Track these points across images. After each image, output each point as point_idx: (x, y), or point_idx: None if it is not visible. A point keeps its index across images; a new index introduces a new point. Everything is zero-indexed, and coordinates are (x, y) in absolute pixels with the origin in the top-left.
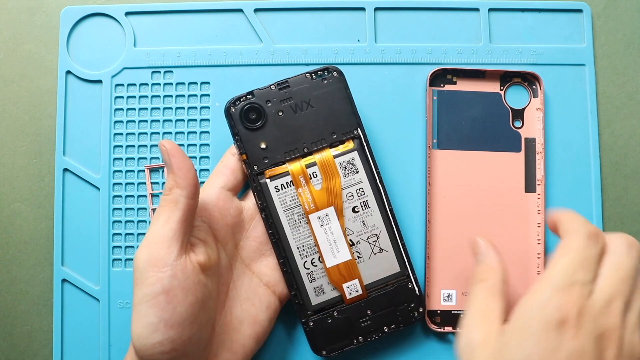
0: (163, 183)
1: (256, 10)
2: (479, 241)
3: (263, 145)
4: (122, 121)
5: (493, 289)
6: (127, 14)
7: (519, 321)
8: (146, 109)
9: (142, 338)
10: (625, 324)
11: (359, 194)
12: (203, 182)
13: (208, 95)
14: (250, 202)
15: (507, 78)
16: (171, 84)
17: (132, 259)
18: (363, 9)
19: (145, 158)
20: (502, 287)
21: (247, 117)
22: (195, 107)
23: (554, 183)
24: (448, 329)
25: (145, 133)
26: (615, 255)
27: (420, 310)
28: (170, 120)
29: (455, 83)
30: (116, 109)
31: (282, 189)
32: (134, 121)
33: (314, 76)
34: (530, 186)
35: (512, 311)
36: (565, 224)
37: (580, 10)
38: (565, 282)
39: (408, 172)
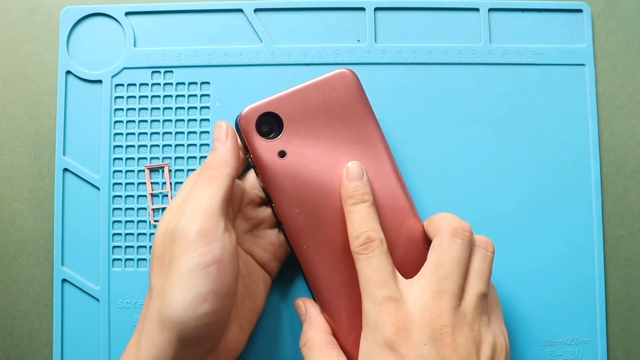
0: (163, 183)
1: (256, 10)
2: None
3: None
4: (122, 121)
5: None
6: (127, 14)
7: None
8: (146, 109)
9: (189, 308)
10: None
11: None
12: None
13: (208, 95)
14: (246, 182)
15: None
16: (171, 84)
17: (132, 259)
18: (363, 9)
19: (145, 158)
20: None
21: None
22: (195, 107)
23: (554, 183)
24: None
25: (145, 133)
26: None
27: None
28: (170, 120)
29: None
30: (116, 109)
31: None
32: (134, 121)
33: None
34: None
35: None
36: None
37: (580, 10)
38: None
39: (409, 171)
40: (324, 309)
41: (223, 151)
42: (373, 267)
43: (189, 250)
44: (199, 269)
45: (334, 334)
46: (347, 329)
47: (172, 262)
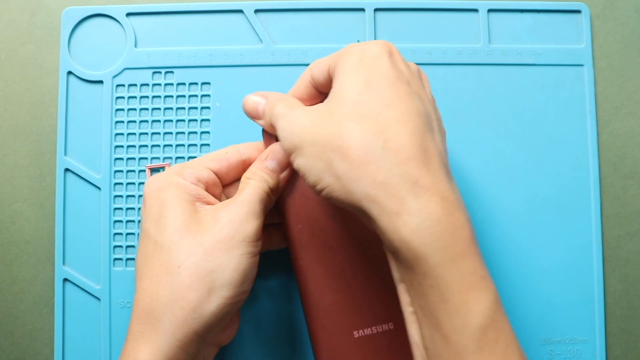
0: None
1: (256, 11)
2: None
3: None
4: (123, 121)
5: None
6: (128, 14)
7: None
8: (147, 109)
9: (238, 285)
10: None
11: None
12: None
13: (208, 95)
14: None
15: None
16: (172, 84)
17: (133, 259)
18: (363, 9)
19: (146, 158)
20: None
21: None
22: (196, 108)
23: (553, 183)
24: None
25: (146, 133)
26: None
27: None
28: (171, 121)
29: None
30: (117, 109)
31: None
32: (134, 121)
33: None
34: None
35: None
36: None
37: (579, 11)
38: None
39: None
40: (310, 324)
41: (275, 168)
42: None
43: (234, 237)
44: (251, 256)
45: (315, 345)
46: (332, 345)
47: (227, 249)
